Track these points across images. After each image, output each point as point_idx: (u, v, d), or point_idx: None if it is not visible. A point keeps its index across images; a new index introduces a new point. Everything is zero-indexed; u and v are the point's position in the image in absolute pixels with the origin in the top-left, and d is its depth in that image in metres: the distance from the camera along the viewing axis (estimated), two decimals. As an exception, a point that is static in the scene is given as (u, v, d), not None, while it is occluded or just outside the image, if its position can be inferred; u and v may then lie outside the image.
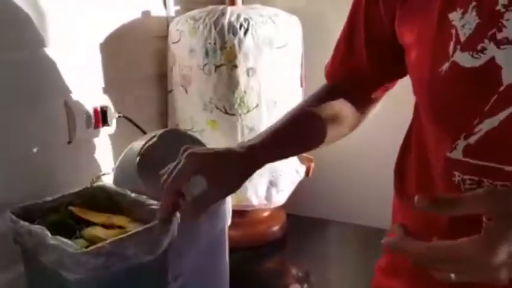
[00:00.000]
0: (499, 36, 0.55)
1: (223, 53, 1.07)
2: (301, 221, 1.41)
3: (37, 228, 0.70)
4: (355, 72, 0.78)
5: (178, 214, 0.74)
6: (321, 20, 1.34)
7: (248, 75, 1.09)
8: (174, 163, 0.70)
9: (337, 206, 1.46)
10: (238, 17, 1.08)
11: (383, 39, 0.71)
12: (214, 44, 1.07)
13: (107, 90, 1.09)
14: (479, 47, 0.56)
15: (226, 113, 1.11)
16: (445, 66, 0.58)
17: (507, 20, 0.54)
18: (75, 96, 1.00)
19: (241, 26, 1.07)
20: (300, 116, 0.78)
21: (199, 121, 1.13)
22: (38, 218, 0.80)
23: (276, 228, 1.30)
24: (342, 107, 0.80)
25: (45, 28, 0.92)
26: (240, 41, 1.06)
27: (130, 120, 1.12)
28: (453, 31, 0.58)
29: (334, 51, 0.82)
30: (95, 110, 1.04)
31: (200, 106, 1.12)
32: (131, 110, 1.14)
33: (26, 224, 0.72)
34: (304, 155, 1.31)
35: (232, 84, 1.09)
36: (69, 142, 1.00)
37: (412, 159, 0.73)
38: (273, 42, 1.10)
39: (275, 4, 1.21)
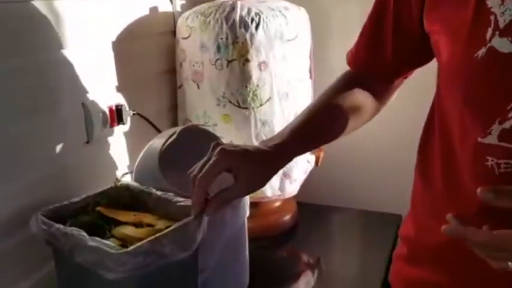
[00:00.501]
0: None
1: (235, 48, 1.07)
2: (310, 208, 1.43)
3: (73, 230, 0.70)
4: (379, 59, 0.79)
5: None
6: (327, 12, 1.35)
7: (260, 69, 1.10)
8: (204, 159, 0.71)
9: (345, 193, 1.49)
10: (249, 11, 1.08)
11: (410, 27, 0.72)
12: (226, 39, 1.07)
13: (120, 89, 1.09)
14: None
15: (239, 107, 1.11)
16: (481, 51, 0.59)
17: None
18: (91, 96, 1.00)
19: (252, 20, 1.07)
20: (321, 110, 0.79)
21: (213, 116, 1.14)
22: (68, 219, 0.80)
23: (287, 217, 1.32)
24: (361, 97, 0.81)
25: (60, 31, 0.91)
26: (252, 36, 1.07)
27: (144, 117, 1.13)
28: (492, 17, 0.58)
29: (359, 38, 0.82)
30: (110, 109, 1.04)
31: (213, 101, 1.12)
32: (143, 107, 1.14)
33: (61, 226, 0.73)
34: (313, 144, 1.32)
35: (244, 78, 1.09)
36: (87, 142, 1.00)
37: (436, 142, 0.73)
38: (284, 36, 1.10)
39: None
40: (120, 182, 0.91)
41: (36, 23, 0.87)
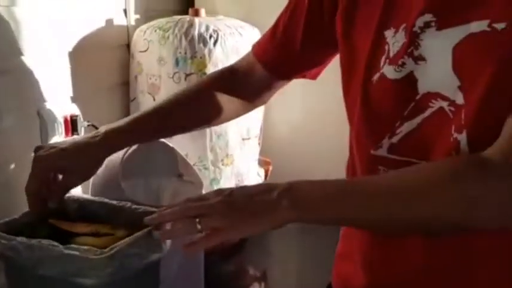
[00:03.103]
0: (416, 53, 0.63)
1: (194, 62, 1.07)
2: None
3: (42, 241, 0.66)
4: (286, 51, 0.80)
5: None
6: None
7: (217, 83, 1.10)
8: None
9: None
10: (207, 28, 1.09)
11: (321, 28, 0.75)
12: (185, 53, 1.07)
13: (75, 99, 1.05)
14: (400, 62, 0.63)
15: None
16: (376, 76, 0.66)
17: (421, 40, 0.62)
18: (47, 105, 0.95)
19: (210, 36, 1.08)
20: (166, 104, 0.83)
21: (169, 128, 1.12)
22: (22, 233, 0.75)
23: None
24: (216, 98, 0.84)
25: (18, 38, 0.87)
26: (210, 51, 1.07)
27: (97, 129, 1.09)
28: (386, 47, 0.65)
29: (270, 29, 0.83)
30: (65, 119, 0.99)
31: (169, 114, 1.11)
32: (97, 118, 1.10)
33: (25, 239, 0.68)
34: (263, 158, 1.34)
35: (201, 92, 1.09)
36: (41, 152, 0.95)
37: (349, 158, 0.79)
38: (240, 52, 1.11)
39: (237, 16, 1.24)
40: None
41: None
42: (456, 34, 0.60)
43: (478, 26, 0.58)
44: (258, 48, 0.84)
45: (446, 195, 0.55)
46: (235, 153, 1.18)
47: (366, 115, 0.69)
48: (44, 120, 0.94)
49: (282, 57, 0.81)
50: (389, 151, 0.66)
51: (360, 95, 0.69)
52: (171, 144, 1.03)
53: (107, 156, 0.79)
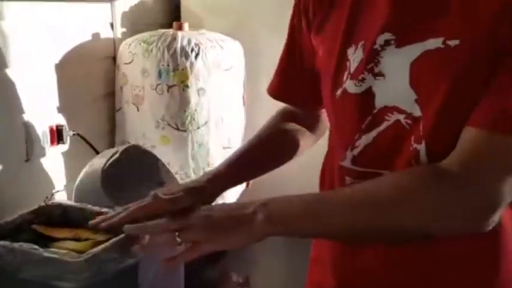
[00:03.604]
0: (376, 70, 0.66)
1: (176, 75, 1.11)
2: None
3: (23, 245, 0.69)
4: (292, 86, 0.83)
5: None
6: (260, 45, 1.43)
7: (199, 94, 1.14)
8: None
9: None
10: (189, 42, 1.13)
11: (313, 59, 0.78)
12: (168, 66, 1.11)
13: (61, 110, 1.08)
14: (360, 77, 0.66)
15: (177, 129, 1.15)
16: (339, 91, 0.69)
17: (382, 57, 0.66)
18: (33, 115, 0.99)
19: (192, 50, 1.12)
20: (253, 145, 0.85)
21: (152, 137, 1.16)
22: (5, 238, 0.78)
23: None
24: (293, 131, 0.86)
25: (5, 50, 0.91)
26: (192, 64, 1.12)
27: (83, 138, 1.12)
28: (348, 63, 0.69)
29: (276, 67, 0.85)
30: (51, 129, 1.03)
31: (152, 123, 1.15)
32: (82, 128, 1.13)
33: (8, 243, 0.71)
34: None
35: (183, 103, 1.13)
36: (27, 160, 0.98)
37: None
38: (221, 65, 1.16)
39: (219, 30, 1.28)
40: (50, 200, 0.90)
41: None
42: (413, 51, 0.63)
43: (433, 43, 0.62)
44: (282, 94, 0.85)
45: (410, 207, 0.58)
46: (217, 162, 1.21)
47: (334, 128, 0.73)
48: (29, 130, 0.97)
49: (301, 92, 0.83)
50: (353, 163, 0.69)
51: (329, 109, 0.73)
52: (153, 153, 1.07)
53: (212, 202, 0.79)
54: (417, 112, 0.63)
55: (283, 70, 0.84)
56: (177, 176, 1.13)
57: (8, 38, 0.91)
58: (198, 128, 1.16)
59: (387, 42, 0.66)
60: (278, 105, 0.87)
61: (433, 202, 0.57)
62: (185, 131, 1.15)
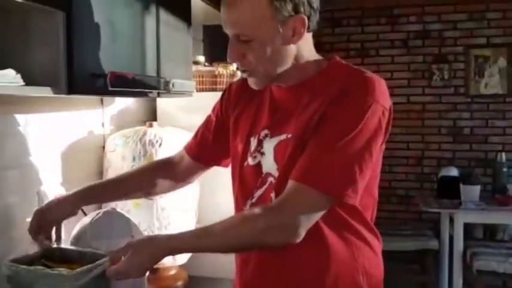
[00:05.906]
0: (262, 150, 1.10)
1: (146, 159, 1.56)
2: (198, 280, 1.81)
3: (37, 267, 1.10)
4: (204, 146, 1.28)
5: None
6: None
7: (162, 173, 1.58)
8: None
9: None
10: (155, 135, 1.59)
11: (225, 132, 1.23)
12: (139, 153, 1.56)
13: (63, 183, 1.52)
14: (254, 155, 1.11)
15: (146, 198, 1.57)
16: (245, 163, 1.13)
17: (263, 143, 1.10)
18: (42, 187, 1.42)
19: (157, 141, 1.58)
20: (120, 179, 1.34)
21: (128, 203, 1.58)
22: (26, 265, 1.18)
23: (180, 283, 1.73)
24: (152, 176, 1.31)
25: (23, 146, 1.36)
26: (156, 151, 1.57)
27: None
28: (249, 146, 1.13)
29: (194, 134, 1.32)
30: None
31: (128, 194, 1.57)
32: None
33: (26, 266, 1.11)
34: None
35: (151, 179, 1.57)
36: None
37: None
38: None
39: (184, 125, 1.74)
40: (54, 245, 1.31)
41: None
42: (276, 140, 1.10)
43: (283, 136, 1.09)
44: (187, 145, 1.32)
45: (246, 229, 1.01)
46: (177, 221, 1.63)
47: (239, 186, 1.17)
48: (40, 197, 1.39)
49: (201, 151, 1.29)
50: (250, 207, 1.12)
51: (237, 174, 1.17)
52: (127, 215, 1.48)
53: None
54: (276, 175, 1.08)
55: (200, 135, 1.30)
56: (145, 232, 1.54)
57: (13, 133, 1.36)
58: (161, 197, 1.58)
59: (266, 135, 1.13)
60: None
61: (259, 226, 0.99)
62: (152, 199, 1.58)
